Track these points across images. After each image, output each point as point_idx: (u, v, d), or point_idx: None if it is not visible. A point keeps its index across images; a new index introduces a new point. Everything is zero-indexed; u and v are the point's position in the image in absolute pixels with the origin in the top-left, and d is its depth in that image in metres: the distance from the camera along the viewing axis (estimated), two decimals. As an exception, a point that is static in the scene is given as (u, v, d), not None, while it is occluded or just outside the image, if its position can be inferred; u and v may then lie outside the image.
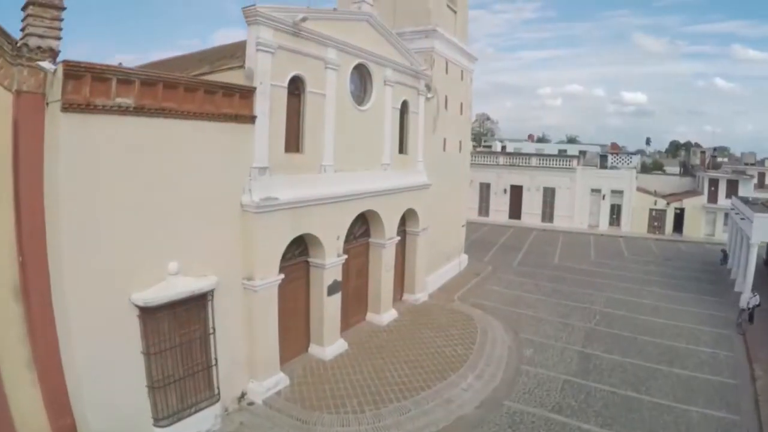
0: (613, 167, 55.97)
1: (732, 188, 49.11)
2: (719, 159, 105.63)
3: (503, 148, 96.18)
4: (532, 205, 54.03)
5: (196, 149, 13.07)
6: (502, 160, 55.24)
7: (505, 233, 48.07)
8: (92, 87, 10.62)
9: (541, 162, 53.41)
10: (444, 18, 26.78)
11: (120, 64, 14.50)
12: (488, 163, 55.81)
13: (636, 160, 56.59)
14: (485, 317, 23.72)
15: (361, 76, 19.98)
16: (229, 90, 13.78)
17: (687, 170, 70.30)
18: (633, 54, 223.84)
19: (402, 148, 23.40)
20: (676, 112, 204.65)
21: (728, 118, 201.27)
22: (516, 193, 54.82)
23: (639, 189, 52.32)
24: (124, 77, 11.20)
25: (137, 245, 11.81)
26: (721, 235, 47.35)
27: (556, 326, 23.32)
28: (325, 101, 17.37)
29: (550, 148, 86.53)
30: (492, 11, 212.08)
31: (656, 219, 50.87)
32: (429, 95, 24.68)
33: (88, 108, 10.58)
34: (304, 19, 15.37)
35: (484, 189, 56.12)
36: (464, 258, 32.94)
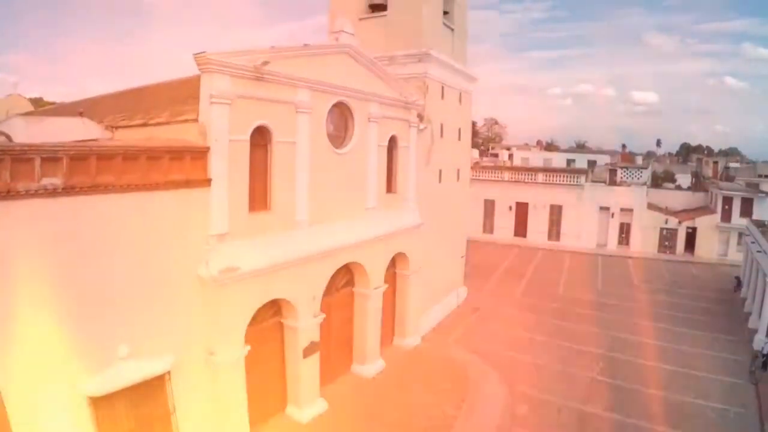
0: (622, 182, 54.11)
1: (746, 207, 47.40)
2: (731, 165, 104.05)
3: (510, 156, 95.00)
4: (538, 223, 52.57)
5: (143, 223, 11.92)
6: (507, 175, 53.74)
7: (509, 255, 46.73)
8: (13, 170, 9.49)
9: (548, 178, 51.85)
10: (439, 38, 25.55)
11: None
12: (493, 178, 54.30)
13: (646, 174, 54.64)
14: (480, 366, 22.42)
15: (342, 115, 18.76)
16: (177, 154, 12.52)
17: (699, 182, 68.68)
18: (643, 53, 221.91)
19: (390, 187, 22.15)
20: (686, 112, 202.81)
21: (739, 117, 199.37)
22: (521, 210, 53.35)
23: (650, 206, 50.68)
24: (51, 155, 10.04)
25: (82, 331, 10.86)
26: (735, 255, 45.74)
27: (555, 376, 21.98)
28: (297, 149, 16.12)
29: (558, 159, 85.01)
30: (501, 11, 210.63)
31: (667, 238, 49.26)
32: (421, 126, 23.43)
33: (9, 195, 9.45)
34: (265, 63, 14.09)
35: (489, 206, 54.72)
36: (463, 291, 31.69)
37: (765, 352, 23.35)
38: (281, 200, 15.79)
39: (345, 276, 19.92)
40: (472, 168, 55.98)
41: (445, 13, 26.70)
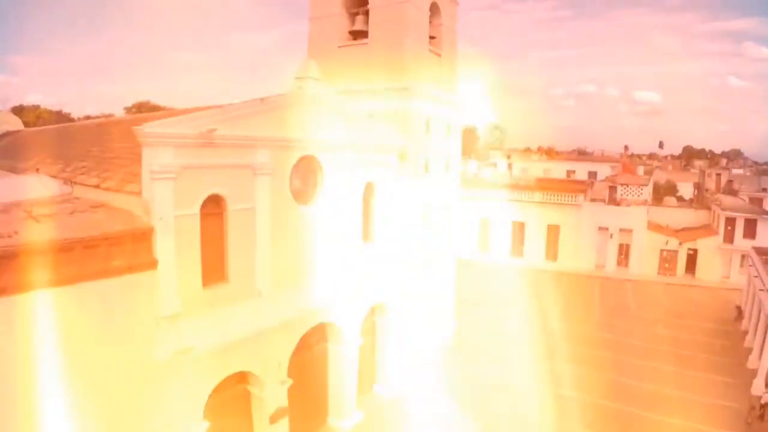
0: (622, 200, 53.22)
1: (750, 228, 46.44)
2: (735, 171, 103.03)
3: (509, 166, 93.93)
4: (535, 243, 51.70)
5: (86, 315, 11.18)
6: (503, 194, 52.73)
7: (504, 278, 45.78)
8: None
9: (545, 197, 50.83)
10: (424, 67, 24.70)
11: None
12: (489, 197, 53.27)
13: (647, 191, 53.73)
14: (459, 419, 21.53)
15: (310, 167, 17.85)
16: (116, 239, 11.67)
17: (701, 195, 67.75)
18: (647, 53, 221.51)
19: (367, 235, 21.26)
20: (689, 112, 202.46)
21: (741, 116, 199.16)
22: (518, 229, 52.40)
23: (650, 225, 49.70)
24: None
25: None
26: (737, 277, 44.77)
27: (537, 429, 21.11)
28: (257, 214, 15.24)
29: (558, 170, 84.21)
30: (504, 11, 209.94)
31: (667, 260, 48.30)
32: (403, 166, 22.56)
33: None
34: (211, 131, 13.19)
35: (485, 224, 53.76)
36: (452, 326, 30.73)
37: (763, 401, 22.46)
38: (240, 269, 14.94)
39: (319, 331, 19.06)
40: (468, 185, 55.28)
41: (432, 38, 25.90)
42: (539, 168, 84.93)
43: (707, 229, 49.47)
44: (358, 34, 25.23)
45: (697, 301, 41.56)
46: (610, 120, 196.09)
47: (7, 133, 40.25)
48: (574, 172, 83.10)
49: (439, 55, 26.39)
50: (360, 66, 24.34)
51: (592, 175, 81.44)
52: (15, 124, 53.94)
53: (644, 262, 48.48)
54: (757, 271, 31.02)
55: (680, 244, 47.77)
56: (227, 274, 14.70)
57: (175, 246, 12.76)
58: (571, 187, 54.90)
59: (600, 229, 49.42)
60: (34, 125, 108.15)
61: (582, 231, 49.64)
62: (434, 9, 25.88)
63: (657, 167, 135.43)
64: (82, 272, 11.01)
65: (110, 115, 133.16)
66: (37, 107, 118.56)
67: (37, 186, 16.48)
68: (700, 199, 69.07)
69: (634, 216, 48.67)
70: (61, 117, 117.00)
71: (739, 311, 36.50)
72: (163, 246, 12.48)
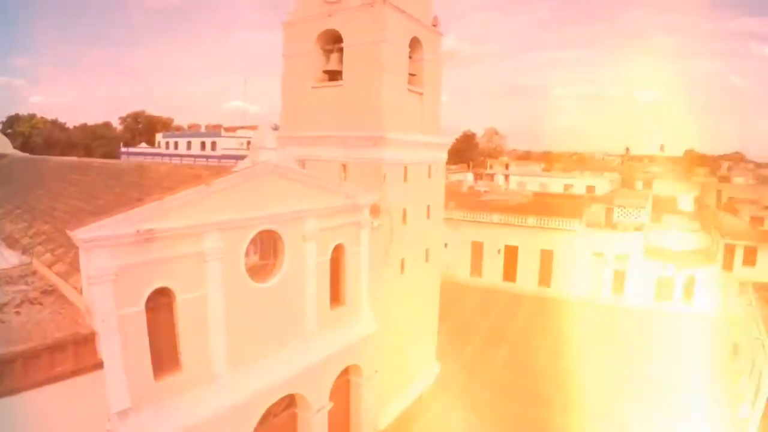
0: (619, 223, 52.44)
1: (750, 255, 45.42)
2: (737, 180, 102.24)
3: (506, 178, 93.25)
4: (528, 268, 50.84)
5: (31, 426, 10.72)
6: (496, 217, 51.90)
7: (494, 306, 45.15)
8: None
9: (539, 222, 49.97)
10: (404, 110, 23.77)
11: None
12: (482, 220, 52.49)
13: (645, 214, 52.96)
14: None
15: (269, 238, 17.07)
16: (58, 347, 11.22)
17: (702, 212, 67.05)
18: (648, 53, 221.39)
19: (337, 298, 20.53)
20: (691, 112, 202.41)
21: (743, 116, 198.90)
22: (511, 253, 51.56)
23: (647, 249, 48.84)
24: None
25: None
26: (736, 306, 43.72)
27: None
28: (209, 300, 14.54)
29: (556, 184, 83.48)
30: (505, 12, 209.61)
31: (664, 287, 47.36)
32: (375, 224, 21.73)
33: None
34: (150, 232, 12.50)
35: (477, 248, 53.02)
36: (434, 369, 30.04)
37: None
38: (194, 356, 14.37)
39: (285, 398, 18.35)
40: (461, 205, 54.60)
41: (413, 75, 25.08)
42: (536, 182, 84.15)
43: (706, 255, 48.54)
44: (333, 75, 24.41)
45: (692, 334, 40.68)
46: (611, 120, 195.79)
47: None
48: (572, 186, 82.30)
49: (421, 94, 25.47)
50: (334, 109, 23.58)
51: (590, 189, 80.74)
52: (3, 145, 53.49)
53: (640, 289, 47.55)
54: (755, 316, 30.17)
55: (678, 271, 46.86)
56: (180, 363, 14.14)
57: (122, 344, 12.31)
58: (566, 210, 54.06)
59: (595, 254, 48.49)
60: (29, 136, 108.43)
61: (576, 256, 48.76)
62: (415, 44, 24.93)
63: (656, 177, 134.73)
64: (24, 382, 10.72)
65: (106, 124, 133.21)
66: (33, 116, 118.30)
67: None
68: (700, 216, 68.33)
69: (631, 242, 47.76)
70: (56, 126, 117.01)
71: (735, 348, 35.68)
72: (107, 347, 12.02)
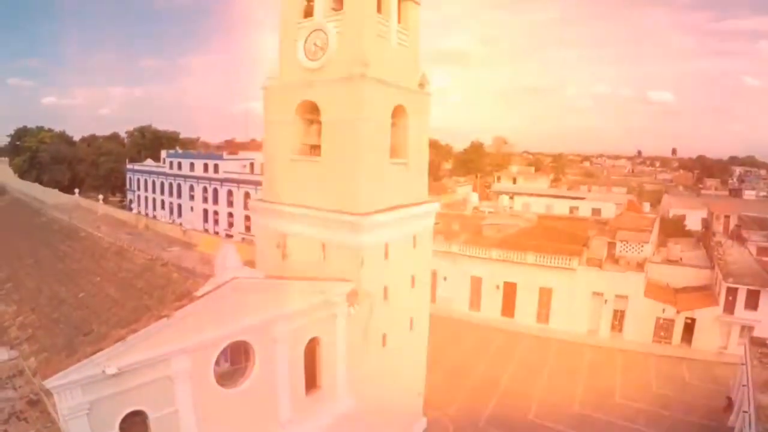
0: (621, 256, 52.43)
1: (752, 299, 45.14)
2: (747, 191, 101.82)
3: (511, 198, 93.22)
4: (526, 304, 51.15)
5: None
6: (495, 254, 52.08)
7: (490, 347, 45.48)
8: None
9: (539, 260, 50.07)
10: (385, 184, 23.43)
11: None
12: (481, 256, 52.72)
13: (648, 249, 52.93)
14: None
15: (239, 350, 17.54)
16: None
17: (707, 240, 66.83)
18: (660, 52, 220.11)
19: (314, 383, 20.93)
20: (703, 112, 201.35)
21: (756, 116, 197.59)
22: (510, 289, 51.81)
23: (648, 287, 48.85)
24: None
25: None
26: (735, 349, 43.60)
27: None
28: (181, 415, 15.14)
29: (561, 206, 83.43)
30: (514, 12, 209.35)
31: (663, 328, 47.33)
32: (353, 311, 21.98)
33: None
34: (114, 372, 13.09)
35: (476, 283, 53.40)
36: (421, 425, 30.37)
37: None
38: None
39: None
40: (464, 227, 54.81)
41: (396, 144, 24.70)
42: (542, 203, 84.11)
43: (707, 297, 48.29)
44: (314, 147, 24.33)
45: (688, 382, 40.69)
46: (624, 120, 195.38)
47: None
48: (577, 208, 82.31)
49: (406, 164, 25.48)
50: (314, 183, 23.30)
51: (596, 212, 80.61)
52: (4, 173, 54.46)
53: (639, 329, 47.60)
54: (748, 375, 30.14)
55: (678, 312, 46.79)
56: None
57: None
58: (568, 239, 54.11)
59: (594, 293, 48.59)
60: (36, 151, 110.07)
61: (575, 295, 48.90)
62: (399, 111, 24.47)
63: (667, 188, 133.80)
64: None
65: (114, 135, 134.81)
66: (40, 129, 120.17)
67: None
68: (705, 241, 68.14)
69: (631, 283, 47.74)
70: (62, 140, 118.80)
71: (729, 401, 35.67)
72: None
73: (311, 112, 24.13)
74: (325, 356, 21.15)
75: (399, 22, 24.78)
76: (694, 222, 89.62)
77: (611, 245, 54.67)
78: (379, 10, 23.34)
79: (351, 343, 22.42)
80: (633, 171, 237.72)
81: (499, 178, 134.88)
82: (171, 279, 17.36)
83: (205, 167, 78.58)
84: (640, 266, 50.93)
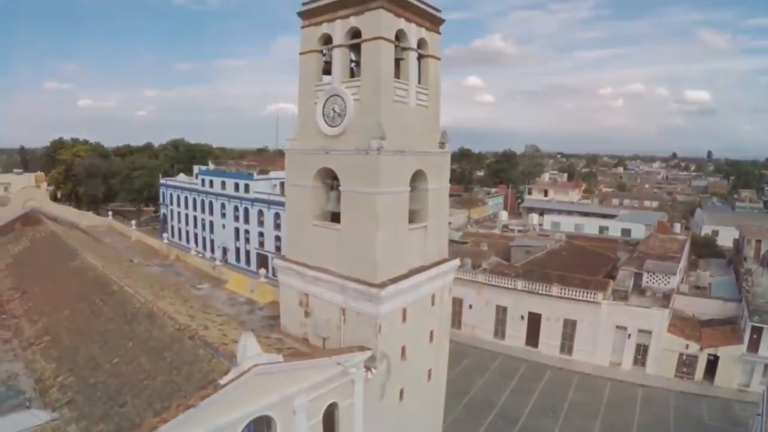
0: (647, 287, 52.76)
1: (777, 337, 45.19)
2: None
3: (541, 215, 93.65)
4: (550, 335, 52.09)
5: None
6: (520, 284, 52.88)
7: (512, 378, 46.48)
8: None
9: (563, 292, 50.73)
10: (404, 249, 23.82)
11: None
12: (506, 286, 53.62)
13: (674, 280, 53.09)
14: None
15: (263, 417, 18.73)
16: None
17: (737, 263, 66.70)
18: (695, 50, 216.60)
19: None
20: (740, 111, 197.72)
21: None
22: (534, 320, 52.68)
23: (672, 321, 49.14)
24: None
25: None
26: (757, 387, 43.68)
27: None
28: None
29: (590, 225, 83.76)
30: (547, 11, 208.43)
31: (686, 364, 47.60)
32: (370, 376, 22.92)
33: None
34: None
35: (501, 312, 54.46)
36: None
37: None
38: None
39: None
40: (492, 245, 55.69)
41: (416, 209, 25.02)
42: (570, 223, 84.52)
43: (732, 333, 48.26)
44: (333, 215, 24.64)
45: (708, 422, 40.94)
46: (659, 120, 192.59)
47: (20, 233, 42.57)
48: (607, 228, 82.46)
49: (425, 228, 25.64)
50: (333, 249, 23.75)
51: (626, 232, 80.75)
52: (41, 198, 56.71)
53: (662, 364, 48.00)
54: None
55: (701, 349, 46.97)
56: None
57: None
58: (596, 264, 54.46)
59: (618, 328, 49.08)
60: (71, 164, 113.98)
61: (599, 328, 49.48)
62: (418, 175, 24.75)
63: (700, 202, 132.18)
64: None
65: (147, 147, 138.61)
66: (75, 141, 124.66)
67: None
68: (737, 266, 67.91)
69: (654, 319, 48.08)
70: (97, 153, 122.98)
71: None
72: None
73: (331, 178, 24.48)
74: (342, 419, 22.29)
75: (419, 81, 25.02)
76: (727, 238, 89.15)
77: (638, 276, 55.00)
78: (397, 74, 23.51)
79: (368, 404, 23.44)
80: (667, 177, 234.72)
81: (530, 191, 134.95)
82: (197, 356, 18.61)
83: (236, 186, 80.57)
84: (666, 298, 51.21)
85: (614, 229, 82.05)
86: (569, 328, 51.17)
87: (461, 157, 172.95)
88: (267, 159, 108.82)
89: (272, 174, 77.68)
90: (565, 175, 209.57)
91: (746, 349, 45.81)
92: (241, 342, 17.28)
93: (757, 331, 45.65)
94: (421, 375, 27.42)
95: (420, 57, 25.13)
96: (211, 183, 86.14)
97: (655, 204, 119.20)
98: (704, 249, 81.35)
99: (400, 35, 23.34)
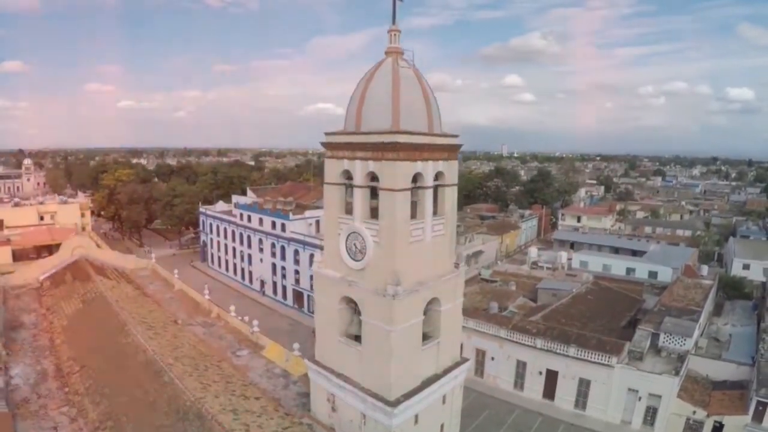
0: (664, 347, 55.86)
1: (783, 410, 47.80)
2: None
3: (572, 245, 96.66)
4: (566, 391, 56.24)
5: None
6: (539, 343, 56.83)
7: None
8: None
9: (579, 353, 54.44)
10: (417, 365, 26.94)
11: None
12: (526, 343, 57.79)
13: (690, 343, 56.01)
14: None
15: None
16: None
17: (763, 309, 68.05)
18: (737, 47, 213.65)
19: None
20: None
21: None
22: (551, 375, 56.79)
23: (684, 384, 52.31)
24: None
25: None
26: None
27: None
28: None
29: (618, 266, 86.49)
30: (587, 8, 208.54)
31: (693, 429, 50.74)
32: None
33: None
34: None
35: (521, 366, 58.74)
36: None
37: None
38: None
39: None
40: (520, 287, 59.57)
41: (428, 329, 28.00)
42: (599, 263, 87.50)
43: (740, 401, 50.78)
44: (356, 336, 27.69)
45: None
46: (700, 118, 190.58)
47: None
48: (634, 270, 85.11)
49: (438, 344, 28.57)
50: (355, 364, 27.14)
51: (653, 274, 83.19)
52: (89, 247, 61.91)
53: (669, 427, 51.23)
54: None
55: (707, 416, 49.95)
56: None
57: None
58: (606, 342, 57.00)
59: (630, 390, 52.53)
60: (113, 189, 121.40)
61: (612, 388, 53.05)
62: (433, 300, 27.52)
63: (735, 225, 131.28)
64: None
65: (189, 164, 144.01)
66: (117, 166, 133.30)
67: None
68: (760, 314, 68.95)
69: (665, 384, 51.29)
70: (139, 177, 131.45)
71: None
72: None
73: (355, 303, 27.35)
74: None
75: (434, 212, 27.25)
76: (758, 272, 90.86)
77: (655, 336, 57.97)
78: (413, 213, 25.81)
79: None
80: (705, 192, 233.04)
81: (563, 215, 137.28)
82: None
83: (273, 224, 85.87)
84: (681, 360, 54.16)
85: (641, 270, 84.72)
86: (584, 385, 55.11)
87: (497, 173, 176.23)
88: (304, 187, 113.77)
89: (307, 213, 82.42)
90: (602, 188, 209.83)
91: (751, 419, 48.56)
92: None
93: (762, 404, 48.20)
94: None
95: (437, 187, 27.43)
96: (249, 218, 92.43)
97: (687, 233, 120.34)
98: (732, 291, 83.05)
99: (417, 177, 25.72)
